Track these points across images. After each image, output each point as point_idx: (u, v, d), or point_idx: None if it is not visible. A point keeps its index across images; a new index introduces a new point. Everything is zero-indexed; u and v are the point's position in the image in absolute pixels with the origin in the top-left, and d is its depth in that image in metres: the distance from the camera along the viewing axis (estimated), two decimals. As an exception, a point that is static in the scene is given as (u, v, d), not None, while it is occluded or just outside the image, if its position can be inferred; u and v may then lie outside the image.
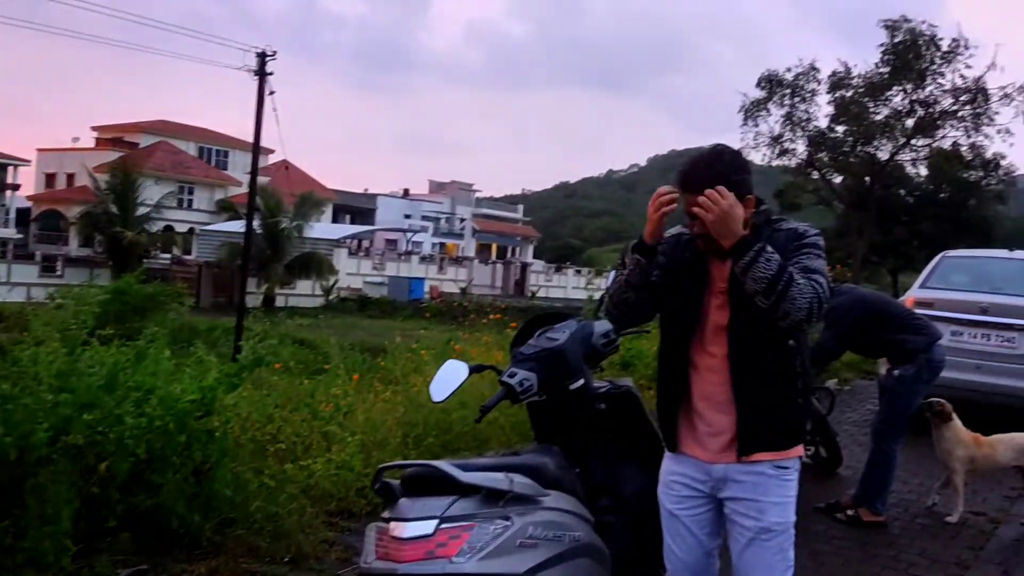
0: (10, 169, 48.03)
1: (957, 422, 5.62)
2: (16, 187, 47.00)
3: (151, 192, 35.58)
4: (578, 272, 56.44)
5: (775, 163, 31.89)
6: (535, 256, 72.10)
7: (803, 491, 6.12)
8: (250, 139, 20.32)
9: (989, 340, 7.91)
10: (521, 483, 2.57)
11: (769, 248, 2.34)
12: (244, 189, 30.91)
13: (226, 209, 43.18)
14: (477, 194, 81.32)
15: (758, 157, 31.84)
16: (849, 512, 5.40)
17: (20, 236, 43.71)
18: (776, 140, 31.03)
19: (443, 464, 2.50)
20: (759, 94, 30.57)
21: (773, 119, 30.69)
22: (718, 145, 2.52)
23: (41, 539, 3.19)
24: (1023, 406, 7.60)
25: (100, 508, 3.74)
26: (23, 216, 48.08)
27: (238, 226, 27.74)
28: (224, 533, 4.06)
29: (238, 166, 51.27)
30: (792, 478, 2.56)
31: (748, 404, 2.46)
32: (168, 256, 36.46)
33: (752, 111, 30.82)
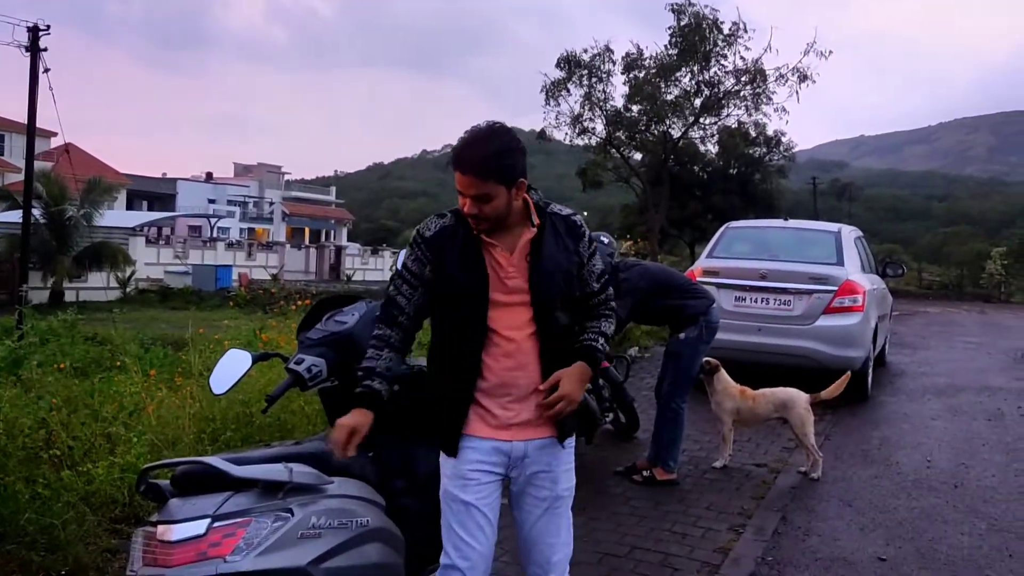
0: None
1: (725, 376, 6.08)
2: None
3: (-90, 180, 31.90)
4: (395, 254, 55.93)
5: (576, 142, 32.84)
6: (350, 239, 70.77)
7: (603, 456, 6.40)
8: (26, 121, 18.58)
9: (768, 304, 8.54)
10: (301, 472, 2.49)
11: (601, 342, 2.59)
12: (23, 176, 28.31)
13: (3, 198, 39.36)
14: (287, 177, 78.87)
15: (560, 136, 32.67)
16: (645, 473, 5.68)
17: None
18: (576, 120, 31.92)
19: (214, 460, 2.38)
20: (559, 75, 31.38)
21: (573, 99, 31.60)
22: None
23: None
24: (800, 364, 8.30)
25: None
26: None
27: (16, 216, 25.36)
28: (-11, 551, 3.70)
29: (15, 151, 46.79)
30: (573, 446, 2.64)
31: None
32: (-65, 251, 32.86)
33: (553, 91, 31.54)
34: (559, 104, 31.92)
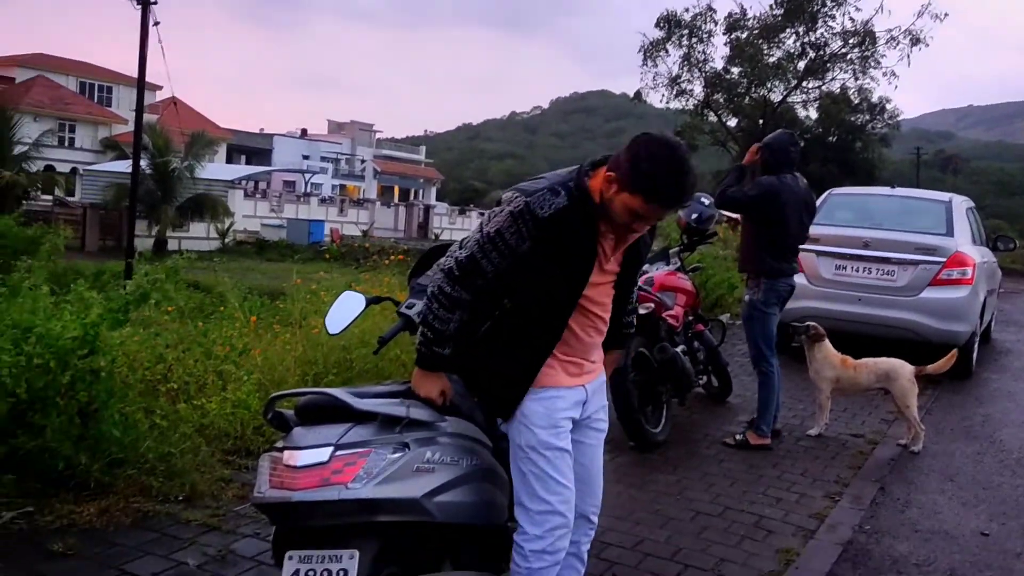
0: None
1: (828, 345, 5.96)
2: None
3: (29, 130, 33.43)
4: (481, 214, 56.22)
5: (672, 104, 32.30)
6: (438, 198, 71.35)
7: (695, 418, 6.38)
8: (135, 74, 19.23)
9: (870, 273, 8.30)
10: (418, 410, 2.57)
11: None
12: (130, 127, 29.39)
13: (111, 148, 40.96)
14: (378, 135, 79.79)
15: (656, 98, 32.18)
16: (738, 436, 5.64)
17: None
18: (674, 81, 31.37)
19: (338, 392, 2.47)
20: (658, 34, 30.78)
21: (671, 60, 30.99)
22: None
23: (-89, 484, 3.02)
24: (901, 336, 8.06)
25: (-22, 451, 3.58)
26: None
27: (125, 166, 26.41)
28: (114, 474, 3.95)
29: (123, 103, 48.69)
30: None
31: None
32: (50, 198, 34.54)
33: (651, 52, 31.00)
34: (656, 65, 31.42)
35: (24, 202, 29.37)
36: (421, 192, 72.33)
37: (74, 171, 40.87)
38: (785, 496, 4.72)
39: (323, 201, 49.35)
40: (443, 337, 2.52)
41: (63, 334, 3.77)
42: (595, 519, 2.84)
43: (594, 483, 2.80)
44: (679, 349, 5.70)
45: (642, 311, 5.29)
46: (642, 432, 5.33)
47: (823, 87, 31.87)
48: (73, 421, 3.87)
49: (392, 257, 15.41)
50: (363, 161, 70.21)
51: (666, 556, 3.79)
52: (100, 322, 3.90)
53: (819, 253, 8.32)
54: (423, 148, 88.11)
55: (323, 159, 66.05)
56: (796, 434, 6.04)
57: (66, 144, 44.67)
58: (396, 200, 61.39)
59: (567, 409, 2.62)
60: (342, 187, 65.22)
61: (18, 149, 31.18)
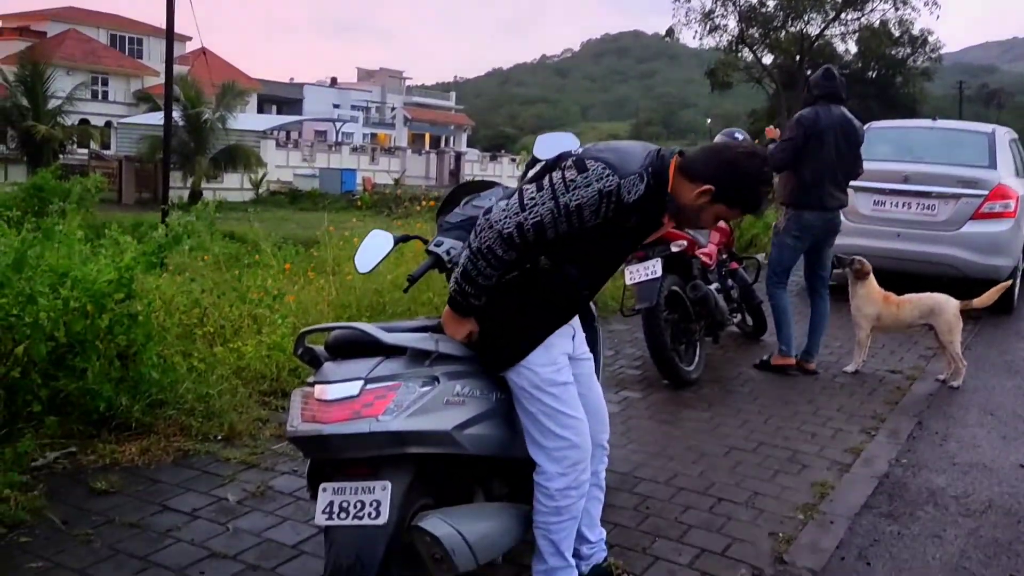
0: (-95, 62, 45.07)
1: (872, 281, 5.86)
2: (-86, 82, 44.14)
3: (63, 83, 33.66)
4: (513, 160, 55.87)
5: (706, 42, 31.61)
6: (469, 145, 70.96)
7: (728, 356, 6.35)
8: (164, 26, 19.21)
9: (910, 208, 8.12)
10: (446, 343, 2.57)
11: None
12: (163, 79, 29.43)
13: (144, 100, 41.19)
14: (408, 82, 79.35)
15: (689, 35, 31.64)
16: (764, 357, 5.76)
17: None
18: (707, 16, 30.69)
19: (367, 326, 2.47)
20: (691, -32, 30.02)
21: (705, -7, 30.26)
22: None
23: (-42, 423, 3.11)
24: (942, 272, 7.91)
25: (23, 393, 3.66)
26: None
27: (158, 118, 26.51)
28: (154, 415, 4.03)
29: (154, 55, 48.72)
30: None
31: None
32: (85, 151, 34.90)
33: (683, -14, 30.28)
34: (689, 0, 30.65)
35: (60, 156, 29.74)
36: (452, 139, 71.96)
37: (108, 124, 41.17)
38: (820, 431, 4.69)
39: (354, 150, 49.31)
40: (482, 291, 2.49)
41: (99, 278, 3.83)
42: (607, 444, 2.88)
43: (600, 410, 2.84)
44: (713, 287, 5.65)
45: (675, 249, 5.23)
46: (676, 370, 5.32)
47: (862, 19, 30.99)
48: (113, 364, 3.95)
49: (424, 203, 15.40)
50: (393, 109, 69.92)
51: (699, 490, 3.79)
52: (134, 265, 3.94)
53: (857, 189, 8.12)
54: (453, 94, 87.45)
55: (353, 107, 65.86)
56: (832, 371, 5.98)
57: (99, 97, 44.96)
58: (427, 148, 61.16)
59: (561, 344, 2.63)
60: (373, 135, 65.09)
61: (52, 103, 31.49)
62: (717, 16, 30.54)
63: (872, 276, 5.89)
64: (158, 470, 3.66)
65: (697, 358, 5.59)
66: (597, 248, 2.52)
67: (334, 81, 71.44)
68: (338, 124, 56.96)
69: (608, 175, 2.36)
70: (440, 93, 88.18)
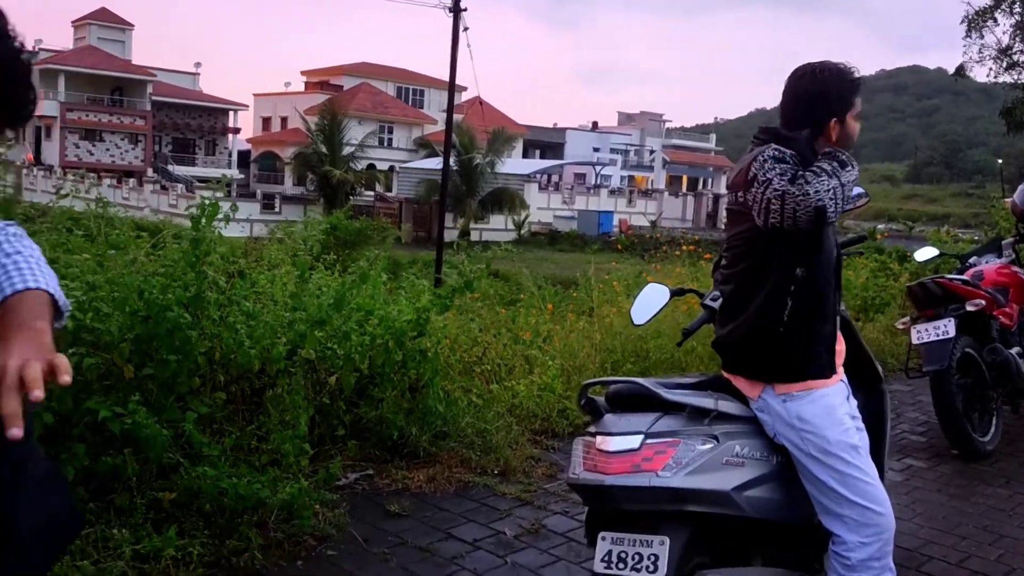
0: (231, 114, 52.49)
1: None
2: (236, 131, 51.60)
3: (355, 132, 37.45)
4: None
5: (1002, 79, 28.76)
6: (728, 188, 69.53)
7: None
8: (445, 78, 20.82)
9: None
10: (726, 403, 2.58)
11: None
12: (440, 127, 31.78)
13: (423, 147, 44.77)
14: (667, 124, 79.34)
15: (983, 73, 28.91)
16: None
17: (241, 176, 47.54)
18: (1004, 52, 27.94)
19: (647, 382, 2.54)
20: (986, 2, 27.53)
21: (1001, 30, 27.61)
22: None
23: (282, 441, 3.55)
24: None
25: (330, 418, 4.11)
26: (243, 157, 52.55)
27: (435, 163, 28.71)
28: (438, 445, 4.35)
29: (433, 105, 52.91)
30: None
31: None
32: (371, 193, 38.42)
33: (976, 21, 27.81)
34: (983, 36, 28.19)
35: (351, 197, 32.94)
36: (710, 181, 70.97)
37: (391, 168, 45.09)
38: None
39: (612, 192, 50.15)
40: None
41: (399, 317, 4.23)
42: None
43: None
44: (1014, 351, 5.14)
45: (970, 308, 4.84)
46: (968, 440, 4.88)
47: None
48: (404, 395, 4.33)
49: (683, 247, 15.33)
50: (652, 151, 70.27)
51: (997, 577, 3.46)
52: (430, 307, 4.32)
53: None
54: (713, 136, 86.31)
55: (612, 151, 67.00)
56: None
57: (385, 144, 49.42)
58: (684, 190, 60.82)
59: (841, 405, 2.54)
60: (631, 178, 65.76)
61: (346, 150, 35.01)
62: (1016, 52, 27.73)
63: None
64: (442, 498, 3.95)
65: (993, 428, 5.10)
66: (822, 242, 2.52)
67: (595, 125, 73.18)
68: (597, 167, 58.22)
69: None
70: (699, 135, 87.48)
